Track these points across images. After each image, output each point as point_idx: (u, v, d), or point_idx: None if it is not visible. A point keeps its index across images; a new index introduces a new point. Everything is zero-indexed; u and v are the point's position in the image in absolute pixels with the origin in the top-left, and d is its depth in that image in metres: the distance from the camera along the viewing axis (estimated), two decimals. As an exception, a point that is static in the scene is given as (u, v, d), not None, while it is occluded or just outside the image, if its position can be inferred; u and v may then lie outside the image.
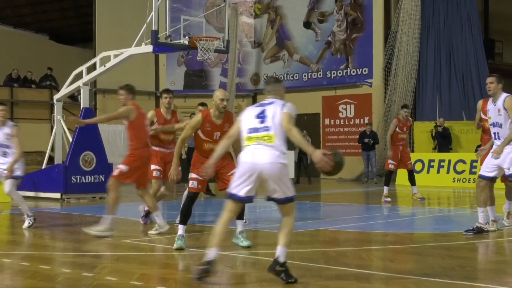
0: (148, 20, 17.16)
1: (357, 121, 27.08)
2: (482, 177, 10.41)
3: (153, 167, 11.67)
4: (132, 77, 27.67)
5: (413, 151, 24.56)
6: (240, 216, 9.57)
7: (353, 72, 27.75)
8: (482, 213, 10.36)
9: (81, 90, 18.72)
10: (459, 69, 26.36)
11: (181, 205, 9.77)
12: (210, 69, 30.33)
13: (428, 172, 23.00)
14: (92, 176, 18.01)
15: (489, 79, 10.10)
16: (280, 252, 7.15)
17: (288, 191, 7.14)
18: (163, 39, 17.35)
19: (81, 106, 18.65)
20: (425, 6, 26.54)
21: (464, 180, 22.35)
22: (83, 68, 18.90)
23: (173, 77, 30.42)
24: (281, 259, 7.12)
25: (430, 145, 24.94)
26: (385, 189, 16.90)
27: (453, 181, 22.83)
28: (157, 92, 30.16)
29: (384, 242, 10.61)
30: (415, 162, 23.19)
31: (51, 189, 18.11)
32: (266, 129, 7.15)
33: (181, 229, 9.37)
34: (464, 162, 22.83)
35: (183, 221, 9.43)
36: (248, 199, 7.29)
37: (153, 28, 16.97)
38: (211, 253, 7.13)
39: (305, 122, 25.13)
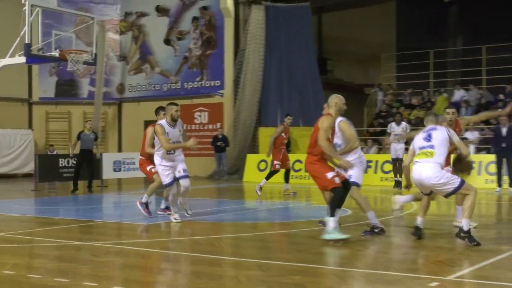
0: (21, 34, 16.59)
1: (210, 126, 27.27)
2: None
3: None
4: (6, 85, 26.68)
5: (258, 152, 25.03)
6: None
7: (207, 84, 27.94)
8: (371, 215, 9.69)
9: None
10: (297, 82, 27.02)
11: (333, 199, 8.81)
12: (79, 79, 29.70)
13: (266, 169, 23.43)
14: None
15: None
16: (464, 222, 8.53)
17: (452, 184, 8.61)
18: (36, 51, 16.89)
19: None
20: (269, 28, 27.05)
21: (301, 177, 22.96)
22: (-41, 76, 18.02)
23: (45, 85, 29.62)
24: (465, 228, 8.46)
25: (273, 147, 25.43)
26: (263, 182, 17.21)
27: (292, 178, 23.39)
28: (30, 99, 29.30)
29: (233, 231, 10.75)
30: (260, 161, 23.68)
31: None
32: (431, 146, 8.81)
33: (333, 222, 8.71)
34: (300, 162, 23.41)
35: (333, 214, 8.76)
36: (428, 193, 9.13)
37: (26, 41, 16.45)
38: (419, 219, 9.11)
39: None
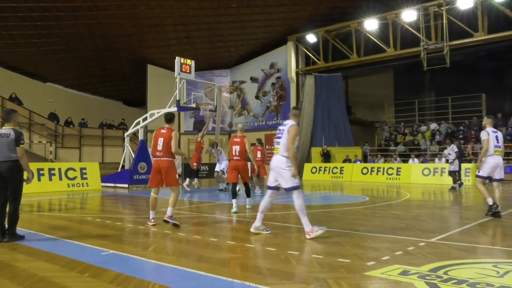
0: (174, 94, 16.95)
1: (282, 146, 27.00)
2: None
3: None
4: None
5: (311, 162, 24.57)
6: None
7: (280, 121, 27.73)
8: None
9: (140, 130, 18.31)
10: (333, 120, 26.54)
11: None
12: (206, 120, 30.15)
13: (315, 173, 22.82)
14: (144, 175, 17.58)
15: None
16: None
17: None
18: (182, 104, 17.17)
19: (139, 139, 18.25)
20: (316, 88, 26.72)
21: (338, 176, 22.23)
22: (140, 119, 18.54)
23: (188, 123, 30.22)
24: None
25: (320, 159, 24.97)
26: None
27: (331, 177, 22.71)
28: (179, 131, 29.92)
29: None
30: (312, 167, 23.12)
31: (123, 182, 17.61)
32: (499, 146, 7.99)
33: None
34: (337, 167, 22.79)
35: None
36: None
37: (177, 98, 16.77)
38: (490, 200, 7.76)
39: (256, 147, 25.04)
